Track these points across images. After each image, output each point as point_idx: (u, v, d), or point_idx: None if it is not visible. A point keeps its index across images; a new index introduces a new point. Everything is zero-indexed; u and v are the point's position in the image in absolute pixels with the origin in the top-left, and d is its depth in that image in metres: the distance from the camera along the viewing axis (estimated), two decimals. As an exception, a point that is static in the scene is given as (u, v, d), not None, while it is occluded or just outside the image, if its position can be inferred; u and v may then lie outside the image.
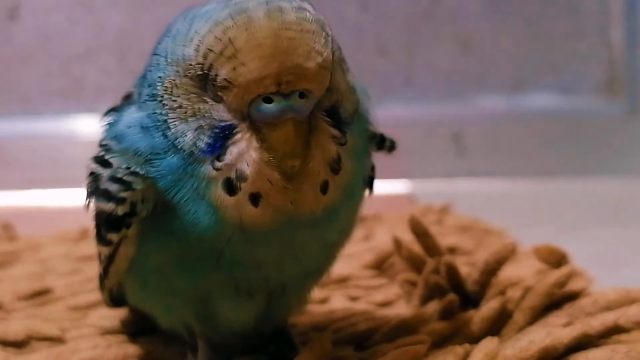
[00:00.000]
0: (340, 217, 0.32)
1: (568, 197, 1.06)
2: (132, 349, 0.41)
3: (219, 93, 0.28)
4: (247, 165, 0.28)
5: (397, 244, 0.45)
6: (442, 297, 0.41)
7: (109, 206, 0.31)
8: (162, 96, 0.30)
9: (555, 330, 0.34)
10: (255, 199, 0.29)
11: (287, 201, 0.29)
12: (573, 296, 0.39)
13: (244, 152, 0.28)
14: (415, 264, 0.45)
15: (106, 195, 0.31)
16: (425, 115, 1.23)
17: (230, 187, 0.29)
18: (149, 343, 0.41)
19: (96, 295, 0.52)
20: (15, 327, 0.45)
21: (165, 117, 0.30)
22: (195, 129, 0.29)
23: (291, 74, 0.27)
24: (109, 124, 0.33)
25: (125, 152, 0.31)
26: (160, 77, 0.31)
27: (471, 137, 1.21)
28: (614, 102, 1.19)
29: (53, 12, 1.23)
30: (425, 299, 0.43)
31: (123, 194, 0.31)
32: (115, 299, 0.40)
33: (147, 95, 0.31)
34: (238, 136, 0.28)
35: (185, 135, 0.30)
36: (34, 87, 1.24)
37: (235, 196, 0.29)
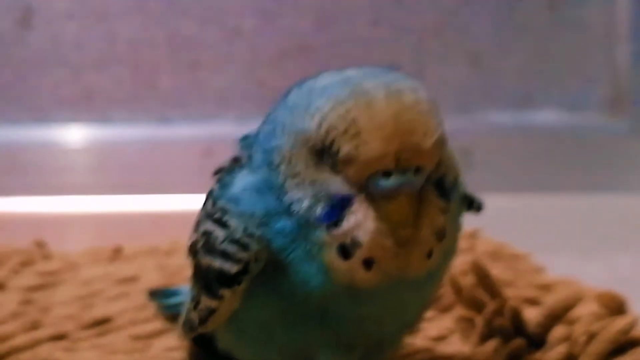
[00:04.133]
0: (439, 276, 0.34)
1: (573, 213, 1.09)
2: None
3: (338, 166, 0.30)
4: (363, 233, 0.30)
5: (456, 288, 0.47)
6: (503, 337, 0.43)
7: (227, 266, 0.33)
8: (278, 164, 0.32)
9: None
10: (368, 264, 0.31)
11: (397, 266, 0.31)
12: (635, 342, 0.41)
13: (361, 222, 0.30)
14: (475, 304, 0.47)
15: (224, 256, 0.33)
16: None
17: (345, 252, 0.31)
18: None
19: (156, 325, 0.53)
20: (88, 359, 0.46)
21: (281, 183, 0.32)
22: (312, 197, 0.31)
23: (409, 152, 0.30)
24: (222, 184, 0.35)
25: (242, 214, 0.33)
26: (276, 145, 0.32)
27: (480, 152, 1.23)
28: (619, 120, 1.22)
29: (66, 20, 1.23)
30: (485, 337, 0.45)
31: (241, 255, 0.32)
32: (197, 339, 0.41)
33: (262, 161, 0.33)
34: (355, 206, 0.30)
35: (302, 202, 0.32)
36: (46, 96, 1.24)
37: (349, 260, 0.31)
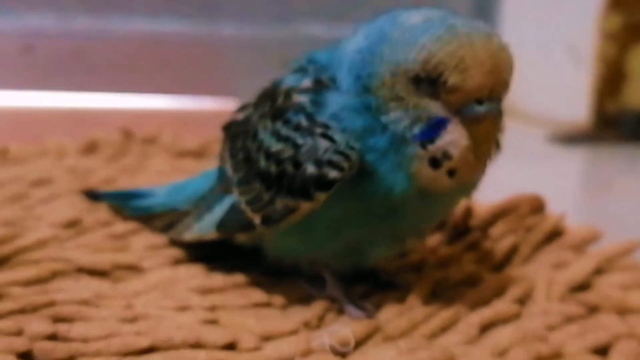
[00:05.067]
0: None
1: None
2: (237, 278, 0.48)
3: (440, 94, 0.38)
4: (455, 149, 0.38)
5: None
6: (453, 229, 0.54)
7: (330, 172, 0.39)
8: (377, 88, 0.39)
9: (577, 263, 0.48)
10: (452, 173, 0.39)
11: (471, 174, 0.40)
12: (559, 233, 0.53)
13: (456, 140, 0.38)
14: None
15: (329, 164, 0.39)
16: (254, 36, 1.33)
17: (435, 164, 0.39)
18: (239, 272, 0.49)
19: (126, 225, 0.57)
20: (94, 257, 0.49)
21: (380, 105, 0.39)
22: (412, 118, 0.39)
23: (499, 85, 0.38)
24: (314, 103, 0.41)
25: (345, 130, 0.40)
26: (373, 72, 0.39)
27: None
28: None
29: None
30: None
31: (343, 164, 0.39)
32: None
33: (353, 85, 0.40)
34: (451, 127, 0.38)
35: (402, 121, 0.39)
36: None
37: (437, 170, 0.39)
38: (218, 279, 0.48)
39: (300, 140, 0.40)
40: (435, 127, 0.38)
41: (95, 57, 1.26)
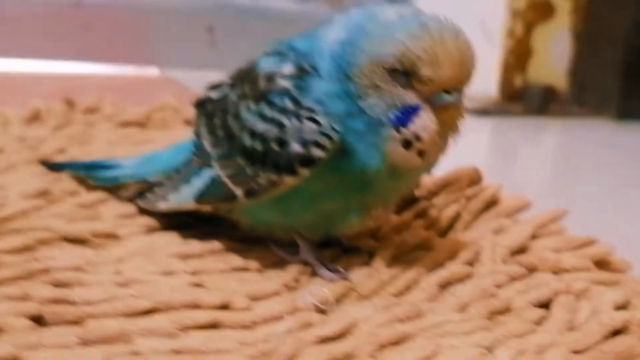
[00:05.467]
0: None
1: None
2: (213, 245, 0.52)
3: (414, 84, 0.43)
4: (426, 132, 0.43)
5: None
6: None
7: (315, 151, 0.44)
8: (356, 76, 0.43)
9: (515, 229, 0.54)
10: (421, 153, 0.44)
11: (436, 155, 0.45)
12: (496, 202, 0.60)
13: (427, 125, 0.43)
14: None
15: (314, 144, 0.44)
16: (180, 4, 1.34)
17: (407, 145, 0.44)
18: (213, 239, 0.52)
19: (94, 195, 0.59)
20: (71, 226, 0.52)
21: (359, 92, 0.44)
22: (388, 104, 0.43)
23: (465, 77, 0.43)
24: (298, 87, 0.45)
25: (328, 113, 0.44)
26: (352, 62, 0.43)
27: (222, 30, 1.35)
28: (340, 9, 1.42)
29: None
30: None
31: (327, 144, 0.44)
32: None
33: (334, 72, 0.44)
34: (422, 113, 0.43)
35: (378, 107, 0.43)
36: None
37: (409, 151, 0.44)
38: (195, 245, 0.52)
39: (286, 122, 0.45)
40: (408, 113, 0.43)
41: (16, 22, 1.25)
